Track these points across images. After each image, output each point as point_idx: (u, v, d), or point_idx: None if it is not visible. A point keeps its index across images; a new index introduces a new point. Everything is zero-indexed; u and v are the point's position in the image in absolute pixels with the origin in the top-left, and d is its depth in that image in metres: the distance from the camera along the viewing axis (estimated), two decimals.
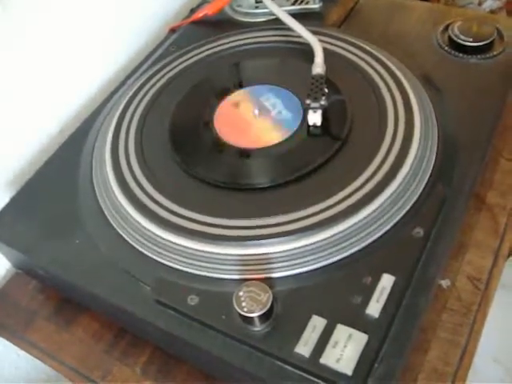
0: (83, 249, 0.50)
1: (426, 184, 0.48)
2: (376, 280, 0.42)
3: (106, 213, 0.51)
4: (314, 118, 0.51)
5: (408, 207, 0.46)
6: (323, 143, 0.52)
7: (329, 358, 0.38)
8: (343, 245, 0.44)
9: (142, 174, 0.52)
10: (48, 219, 0.53)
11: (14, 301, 0.57)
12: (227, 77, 0.60)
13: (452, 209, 0.47)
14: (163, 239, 0.47)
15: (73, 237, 0.51)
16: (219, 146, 0.53)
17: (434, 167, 0.49)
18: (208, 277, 0.45)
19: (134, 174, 0.52)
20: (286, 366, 0.40)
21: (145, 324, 0.45)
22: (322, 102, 0.51)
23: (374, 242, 0.45)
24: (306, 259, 0.44)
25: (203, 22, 0.68)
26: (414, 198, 0.47)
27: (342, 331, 0.40)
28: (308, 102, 0.51)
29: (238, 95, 0.58)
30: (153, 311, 0.44)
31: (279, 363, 0.40)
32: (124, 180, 0.51)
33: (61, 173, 0.56)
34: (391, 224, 0.45)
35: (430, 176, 0.48)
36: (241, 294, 0.40)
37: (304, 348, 0.39)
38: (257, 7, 0.67)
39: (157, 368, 0.50)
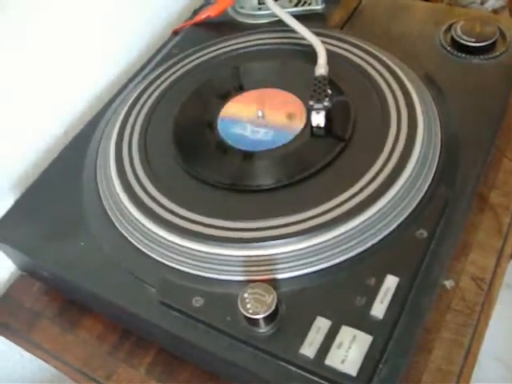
0: (87, 250, 0.50)
1: (430, 185, 0.48)
2: (380, 281, 0.42)
3: (110, 214, 0.51)
4: (318, 119, 0.52)
5: (411, 208, 0.46)
6: (326, 144, 0.52)
7: (333, 359, 0.39)
8: (347, 246, 0.44)
9: (146, 177, 0.52)
10: (52, 221, 0.53)
11: (19, 302, 0.57)
12: (230, 79, 0.60)
13: (455, 209, 0.47)
14: (168, 241, 0.47)
15: (77, 238, 0.51)
16: (222, 147, 0.53)
17: (437, 168, 0.49)
18: (213, 278, 0.45)
19: (138, 177, 0.52)
20: (291, 367, 0.40)
21: (149, 325, 0.45)
22: (326, 104, 0.51)
23: (377, 243, 0.45)
24: (310, 260, 0.44)
25: (206, 24, 0.68)
26: (418, 199, 0.47)
27: (346, 332, 0.40)
28: (311, 103, 0.51)
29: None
30: (157, 313, 0.45)
31: (284, 364, 0.40)
32: (128, 182, 0.52)
33: (65, 175, 0.57)
34: (395, 225, 0.45)
35: (433, 177, 0.48)
36: (245, 295, 0.41)
37: (309, 349, 0.39)
38: (259, 9, 0.67)
39: (161, 369, 0.50)
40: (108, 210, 0.52)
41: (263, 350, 0.40)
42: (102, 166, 0.55)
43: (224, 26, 0.68)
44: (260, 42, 0.63)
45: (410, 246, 0.44)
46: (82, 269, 0.49)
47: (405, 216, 0.46)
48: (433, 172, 0.49)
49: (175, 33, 0.70)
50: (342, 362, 0.38)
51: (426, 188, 0.48)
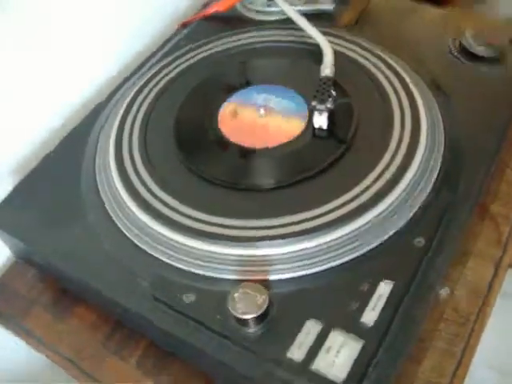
0: (83, 241, 0.50)
1: (430, 192, 0.47)
2: (374, 287, 0.42)
3: (107, 206, 0.51)
4: (320, 121, 0.51)
5: (411, 215, 0.46)
6: (328, 146, 0.51)
7: (321, 364, 0.38)
8: (343, 250, 0.44)
9: (145, 170, 0.52)
10: (50, 209, 0.53)
11: (13, 289, 0.57)
12: (234, 75, 0.60)
13: (455, 218, 0.46)
14: (163, 236, 0.47)
15: (73, 228, 0.51)
16: (223, 144, 0.53)
17: (438, 174, 0.48)
18: (205, 276, 0.45)
19: (136, 170, 0.52)
20: (278, 370, 0.39)
21: (140, 319, 0.45)
22: (329, 105, 0.51)
23: (374, 248, 0.44)
24: (305, 262, 0.44)
25: (214, 18, 0.68)
26: (417, 206, 0.46)
27: (336, 337, 0.39)
28: (314, 103, 0.51)
29: (229, 105, 0.57)
30: (148, 307, 0.44)
31: (271, 366, 0.40)
32: (127, 175, 0.51)
33: (64, 164, 0.56)
34: (392, 231, 0.45)
35: (435, 184, 0.48)
36: (236, 295, 0.40)
37: (297, 352, 0.39)
38: (269, 5, 0.67)
39: (152, 361, 0.50)
40: (105, 202, 0.51)
41: (251, 350, 0.40)
42: (102, 157, 0.55)
43: (232, 21, 0.67)
44: (267, 38, 0.63)
45: (407, 253, 0.44)
46: (76, 259, 0.49)
47: (404, 222, 0.45)
48: (434, 178, 0.48)
49: (183, 26, 0.69)
50: (330, 366, 0.38)
51: (426, 194, 0.47)
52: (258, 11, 0.67)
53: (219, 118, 0.55)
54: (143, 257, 0.47)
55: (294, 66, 0.60)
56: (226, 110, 0.56)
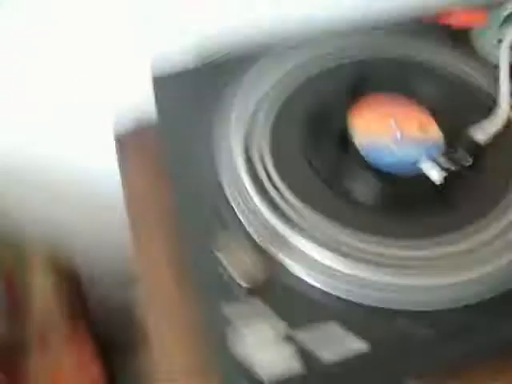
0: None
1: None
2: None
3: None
4: (435, 175, 0.49)
5: None
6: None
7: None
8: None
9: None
10: (197, 105, 0.56)
11: (142, 141, 0.64)
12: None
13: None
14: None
15: (200, 142, 0.54)
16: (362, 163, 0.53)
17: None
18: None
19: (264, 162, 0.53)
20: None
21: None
22: (451, 167, 0.49)
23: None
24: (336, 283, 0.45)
25: (442, 28, 0.64)
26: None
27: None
28: (441, 157, 0.50)
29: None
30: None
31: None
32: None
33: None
34: None
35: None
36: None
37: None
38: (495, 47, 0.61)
39: None
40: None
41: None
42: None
43: (450, 41, 0.63)
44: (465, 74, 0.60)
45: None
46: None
47: None
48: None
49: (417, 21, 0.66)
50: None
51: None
52: (483, 48, 0.62)
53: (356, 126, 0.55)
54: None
55: (461, 114, 0.56)
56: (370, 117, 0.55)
